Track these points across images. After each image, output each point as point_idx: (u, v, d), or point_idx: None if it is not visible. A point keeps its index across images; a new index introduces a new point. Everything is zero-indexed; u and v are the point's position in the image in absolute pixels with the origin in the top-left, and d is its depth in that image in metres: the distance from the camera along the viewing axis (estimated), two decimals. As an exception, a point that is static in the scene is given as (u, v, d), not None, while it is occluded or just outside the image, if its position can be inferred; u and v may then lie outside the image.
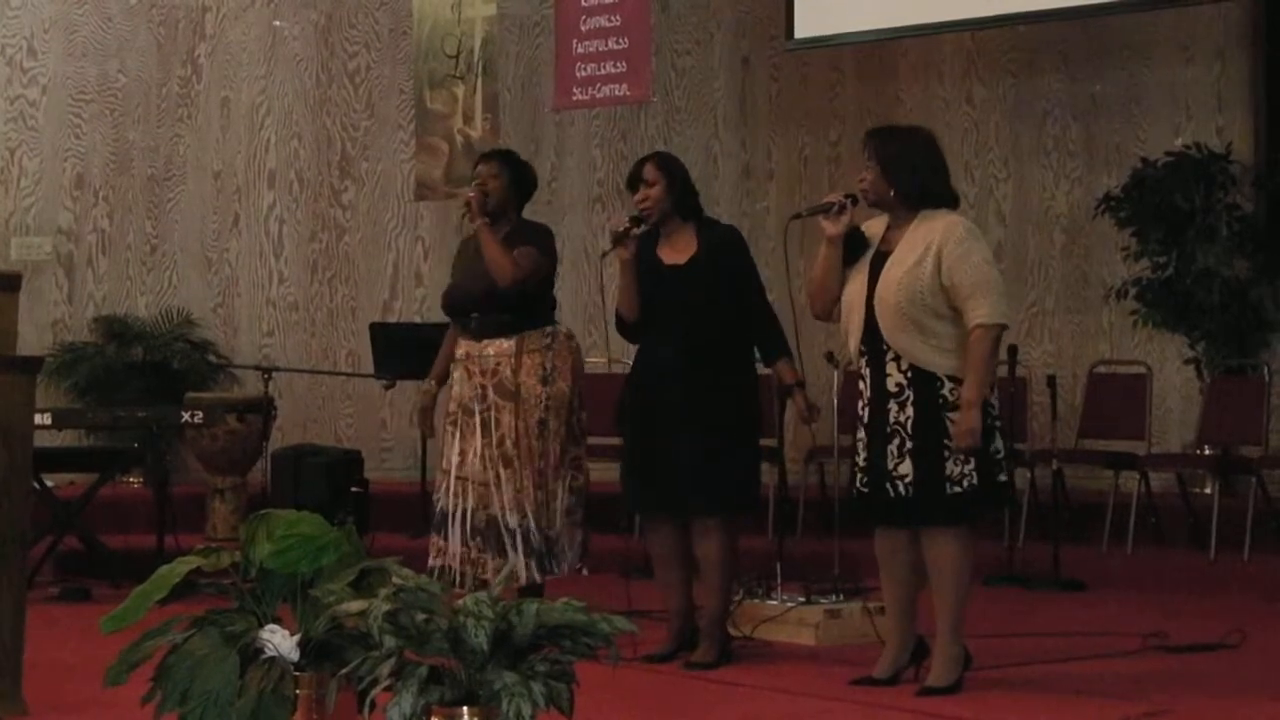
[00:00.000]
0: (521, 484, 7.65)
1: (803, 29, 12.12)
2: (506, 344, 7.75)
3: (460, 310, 7.92)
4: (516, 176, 7.99)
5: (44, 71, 12.74)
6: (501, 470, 7.68)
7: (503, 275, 7.67)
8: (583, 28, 11.79)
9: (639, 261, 7.31)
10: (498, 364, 7.75)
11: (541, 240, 7.88)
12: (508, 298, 7.70)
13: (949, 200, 6.73)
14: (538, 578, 7.63)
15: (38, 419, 7.89)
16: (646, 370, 7.40)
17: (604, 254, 7.76)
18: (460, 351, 7.88)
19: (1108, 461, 10.56)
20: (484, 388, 7.75)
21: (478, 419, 7.75)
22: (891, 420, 6.55)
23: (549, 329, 7.83)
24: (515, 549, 7.64)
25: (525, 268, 7.70)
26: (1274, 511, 10.16)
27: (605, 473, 9.62)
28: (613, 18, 11.69)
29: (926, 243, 6.52)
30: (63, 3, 12.77)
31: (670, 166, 7.46)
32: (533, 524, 7.64)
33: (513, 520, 7.64)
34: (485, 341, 7.78)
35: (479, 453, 7.74)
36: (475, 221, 7.79)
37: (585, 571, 7.97)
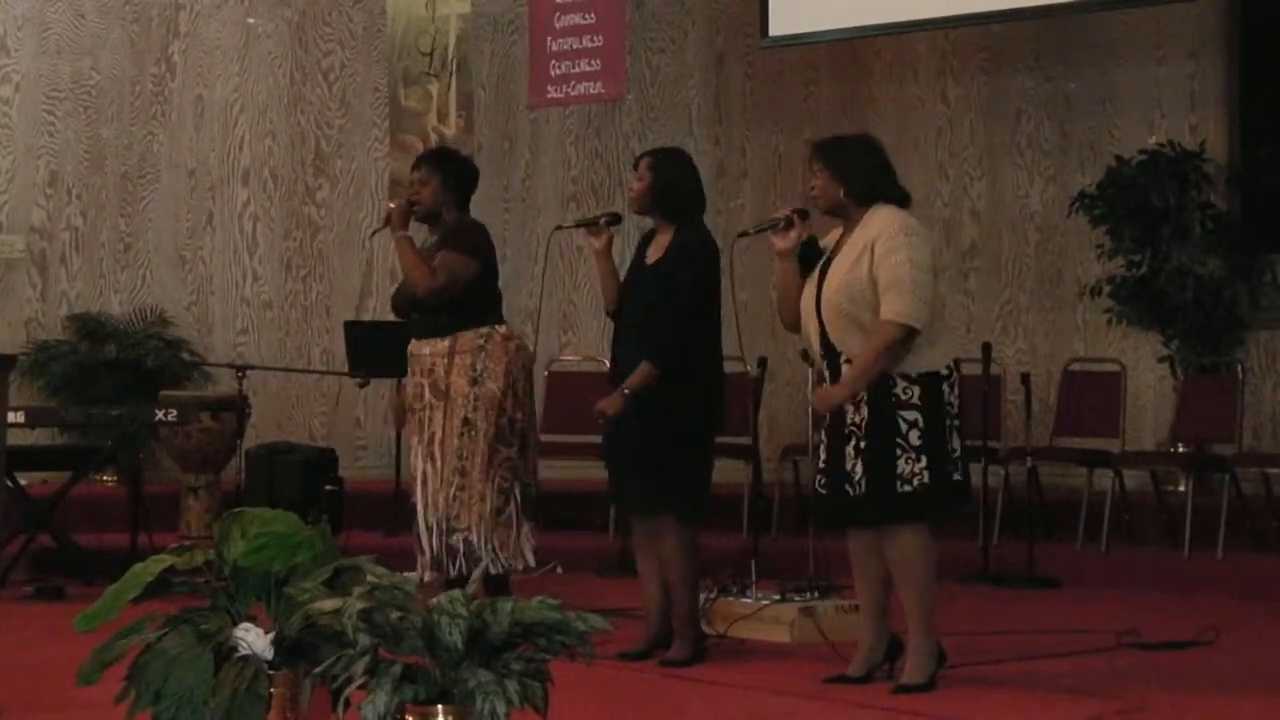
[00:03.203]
0: (439, 482, 7.70)
1: (777, 27, 12.14)
2: (441, 344, 7.80)
3: (403, 310, 7.97)
4: (450, 176, 7.96)
5: (17, 69, 12.71)
6: (428, 468, 7.75)
7: (419, 286, 7.74)
8: (557, 25, 11.80)
9: (636, 253, 7.35)
10: (433, 364, 7.82)
11: (468, 243, 7.85)
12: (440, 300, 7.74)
13: (898, 199, 6.73)
14: (436, 575, 7.62)
15: (11, 417, 7.85)
16: (614, 366, 7.40)
17: (557, 227, 7.88)
18: (409, 350, 7.94)
19: (1082, 459, 10.57)
20: (422, 387, 7.83)
21: (417, 418, 7.83)
22: (848, 421, 6.55)
23: (484, 329, 7.81)
24: (424, 546, 7.73)
25: (442, 278, 7.72)
26: (1247, 509, 10.17)
27: (578, 471, 9.63)
28: (587, 15, 11.70)
29: (865, 241, 6.52)
30: (36, 0, 12.73)
31: (663, 164, 7.41)
32: (453, 524, 7.67)
33: (431, 518, 7.72)
34: (423, 341, 7.84)
35: (416, 451, 7.82)
36: (394, 234, 7.80)
37: (560, 569, 7.97)
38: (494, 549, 7.71)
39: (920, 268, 6.49)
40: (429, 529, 7.75)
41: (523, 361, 7.93)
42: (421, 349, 7.86)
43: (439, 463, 7.75)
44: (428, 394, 7.82)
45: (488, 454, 7.74)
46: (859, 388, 6.43)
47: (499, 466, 7.77)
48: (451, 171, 7.98)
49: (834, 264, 6.59)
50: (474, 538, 7.69)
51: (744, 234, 7.16)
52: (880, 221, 6.56)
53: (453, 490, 7.71)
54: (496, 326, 7.86)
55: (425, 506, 7.77)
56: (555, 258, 12.86)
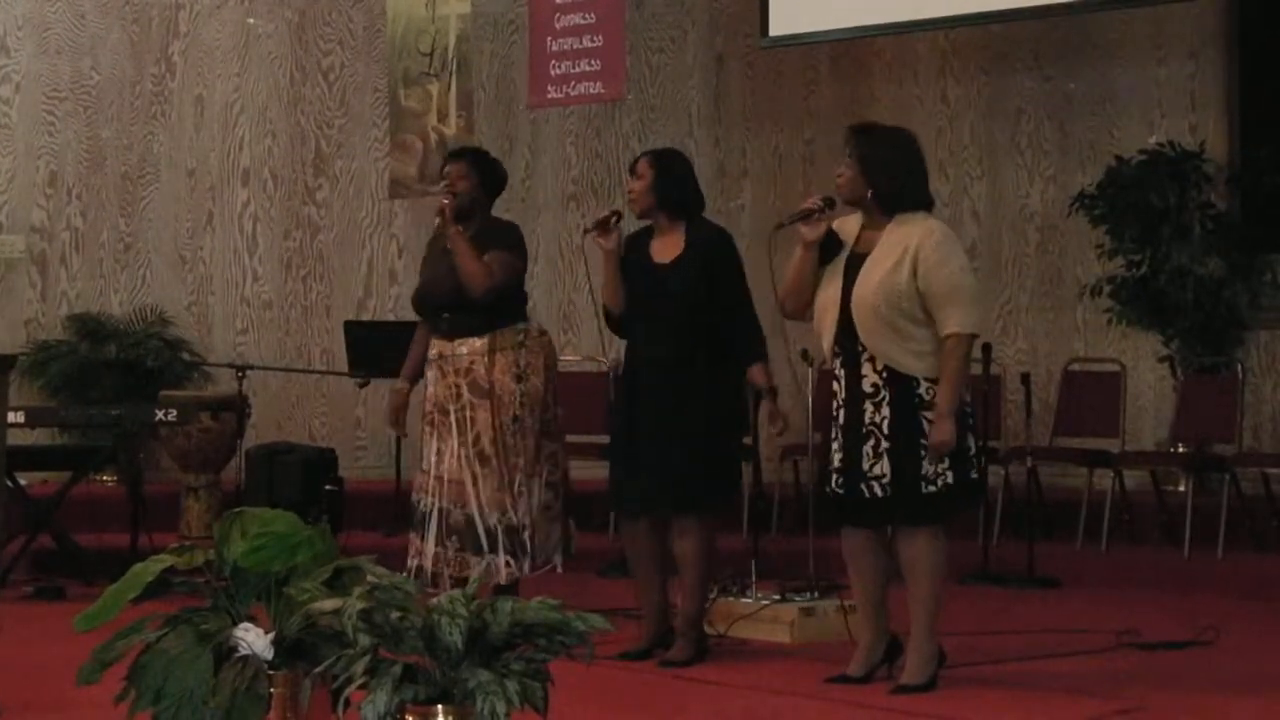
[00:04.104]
0: (499, 482, 7.65)
1: (777, 27, 12.13)
2: (479, 343, 7.73)
3: (431, 310, 7.90)
4: (485, 175, 7.95)
5: (17, 69, 12.70)
6: (478, 468, 7.68)
7: (477, 285, 7.64)
8: (557, 25, 11.80)
9: (625, 255, 7.32)
10: (471, 363, 7.73)
11: (511, 240, 7.85)
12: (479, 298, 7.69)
13: (924, 204, 6.73)
14: (516, 574, 7.62)
15: (11, 417, 7.85)
16: (633, 367, 7.39)
17: (585, 231, 7.56)
18: (433, 351, 7.87)
19: (1082, 459, 10.56)
20: (458, 386, 7.74)
21: (453, 418, 7.75)
22: (867, 421, 6.54)
23: (521, 326, 7.82)
24: (494, 547, 7.64)
25: (499, 275, 7.69)
26: (1247, 509, 10.17)
27: (579, 470, 9.60)
28: (587, 15, 11.69)
29: (904, 246, 6.51)
30: (36, 0, 12.73)
31: (664, 163, 7.42)
32: (513, 520, 7.64)
33: (491, 519, 7.64)
34: (458, 341, 7.76)
35: (454, 451, 7.74)
36: (449, 230, 7.75)
37: (559, 569, 7.94)
38: (540, 543, 7.72)
39: (969, 274, 6.65)
40: (488, 531, 7.68)
41: (555, 358, 7.98)
42: (457, 349, 7.77)
43: (495, 463, 7.71)
44: (466, 393, 7.74)
45: (535, 450, 7.73)
46: (954, 409, 6.44)
47: (545, 461, 7.77)
48: (488, 170, 7.98)
49: (867, 265, 6.55)
50: (528, 534, 7.69)
51: (780, 226, 7.05)
52: (919, 230, 6.55)
53: (516, 488, 7.68)
54: (530, 324, 7.88)
55: (481, 508, 7.70)
56: (555, 257, 12.88)
